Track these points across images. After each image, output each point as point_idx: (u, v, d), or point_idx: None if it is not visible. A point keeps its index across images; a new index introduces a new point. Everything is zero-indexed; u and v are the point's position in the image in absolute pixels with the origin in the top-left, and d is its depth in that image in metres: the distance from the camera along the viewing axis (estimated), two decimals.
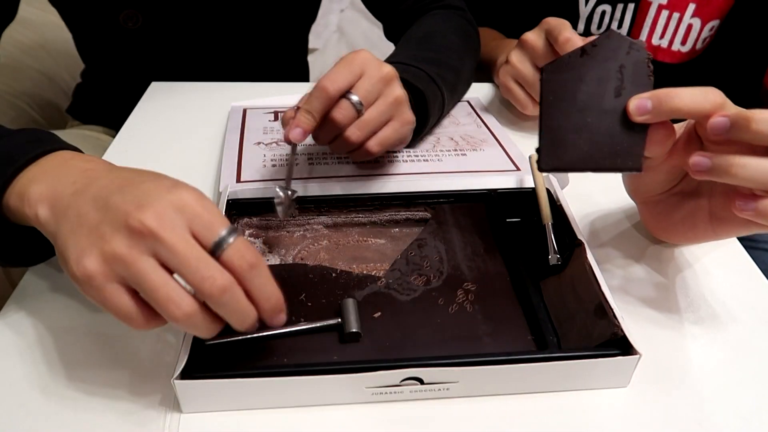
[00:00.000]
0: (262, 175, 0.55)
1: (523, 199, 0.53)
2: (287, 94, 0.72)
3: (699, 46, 0.77)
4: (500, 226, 0.51)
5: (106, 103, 0.88)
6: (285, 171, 0.55)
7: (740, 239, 0.53)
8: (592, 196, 0.57)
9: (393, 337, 0.41)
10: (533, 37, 0.64)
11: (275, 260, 0.48)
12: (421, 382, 0.37)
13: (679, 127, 0.42)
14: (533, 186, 0.53)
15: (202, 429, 0.37)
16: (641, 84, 0.40)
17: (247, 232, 0.51)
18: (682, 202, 0.45)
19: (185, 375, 0.35)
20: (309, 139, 0.61)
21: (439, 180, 0.55)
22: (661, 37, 0.78)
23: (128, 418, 0.37)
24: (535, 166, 0.54)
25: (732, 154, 0.37)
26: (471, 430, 0.37)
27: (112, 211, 0.33)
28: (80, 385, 0.39)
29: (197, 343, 0.37)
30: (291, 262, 0.48)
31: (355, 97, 0.47)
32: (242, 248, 0.34)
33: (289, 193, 0.47)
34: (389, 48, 0.71)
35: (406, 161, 0.59)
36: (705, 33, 0.76)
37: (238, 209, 0.52)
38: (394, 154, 0.59)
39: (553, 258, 0.46)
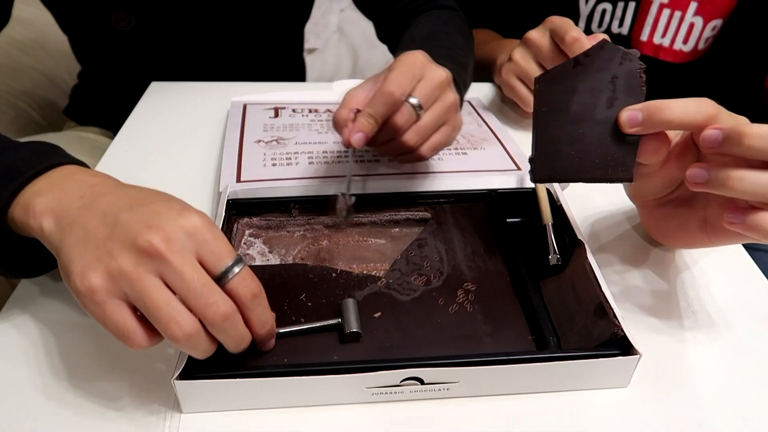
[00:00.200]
0: (262, 174, 0.55)
1: (524, 199, 0.53)
2: (287, 91, 0.72)
3: (702, 46, 0.77)
4: (500, 226, 0.51)
5: (103, 105, 0.88)
6: (346, 171, 0.54)
7: None
8: (592, 197, 0.57)
9: (393, 337, 0.41)
10: (537, 35, 0.64)
11: (275, 260, 0.48)
12: (422, 382, 0.37)
13: (676, 134, 0.42)
14: (533, 186, 0.53)
15: (202, 429, 0.37)
16: (633, 95, 0.40)
17: (247, 232, 0.51)
18: (679, 209, 0.45)
19: (185, 375, 0.35)
20: (307, 138, 0.62)
21: (439, 180, 0.55)
22: (663, 35, 0.77)
23: (128, 418, 0.37)
24: None
25: (729, 164, 0.36)
26: (471, 430, 0.37)
27: (120, 229, 0.33)
28: (80, 385, 0.39)
29: None
30: (291, 262, 0.48)
31: (415, 101, 0.47)
32: (247, 278, 0.35)
33: (350, 197, 0.48)
34: None
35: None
36: (707, 32, 0.75)
37: (238, 209, 0.52)
38: None
39: (553, 258, 0.46)
